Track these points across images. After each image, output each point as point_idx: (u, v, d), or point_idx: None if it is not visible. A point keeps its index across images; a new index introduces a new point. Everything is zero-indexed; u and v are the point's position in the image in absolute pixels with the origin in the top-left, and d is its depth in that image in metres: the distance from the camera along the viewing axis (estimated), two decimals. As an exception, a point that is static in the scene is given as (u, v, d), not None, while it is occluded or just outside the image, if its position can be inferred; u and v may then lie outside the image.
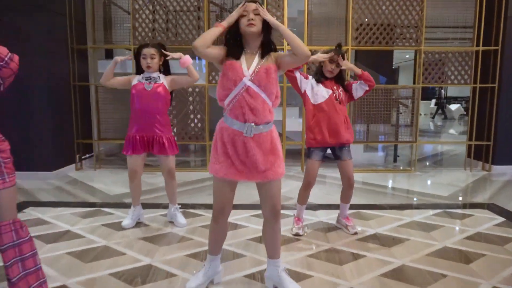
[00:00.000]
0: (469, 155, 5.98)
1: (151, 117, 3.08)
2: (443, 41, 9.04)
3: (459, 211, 3.86)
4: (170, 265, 2.57)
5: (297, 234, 3.11)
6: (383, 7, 5.37)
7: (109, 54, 6.65)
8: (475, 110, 5.76)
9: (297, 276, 2.41)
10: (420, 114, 18.27)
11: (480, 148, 5.83)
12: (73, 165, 5.49)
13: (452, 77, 5.64)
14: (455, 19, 6.07)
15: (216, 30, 1.95)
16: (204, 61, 5.61)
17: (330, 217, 3.57)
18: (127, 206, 3.83)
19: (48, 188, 4.62)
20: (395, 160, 6.39)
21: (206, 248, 2.38)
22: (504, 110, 5.59)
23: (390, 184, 5.06)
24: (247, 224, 3.37)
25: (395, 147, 6.50)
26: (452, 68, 5.63)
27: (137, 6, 5.29)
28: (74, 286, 2.29)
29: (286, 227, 3.23)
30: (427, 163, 6.46)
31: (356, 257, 2.74)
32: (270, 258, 2.22)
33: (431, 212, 3.80)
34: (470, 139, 5.87)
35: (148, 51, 3.04)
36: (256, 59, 2.01)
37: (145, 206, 3.70)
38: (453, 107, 17.31)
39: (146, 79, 3.08)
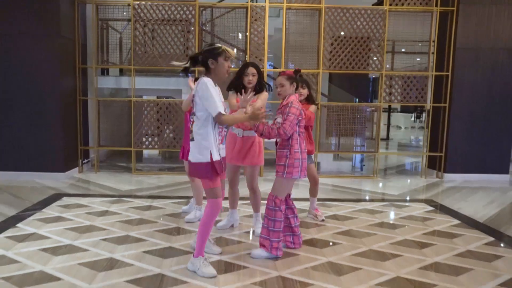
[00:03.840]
0: (426, 165, 8.15)
1: None
2: (405, 54, 11.48)
3: (402, 203, 5.94)
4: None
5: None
6: (351, 28, 7.47)
7: (103, 71, 8.63)
8: (429, 126, 7.98)
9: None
10: (400, 128, 20.71)
11: (435, 158, 8.00)
12: (77, 168, 7.32)
13: (414, 97, 7.81)
14: (415, 35, 8.28)
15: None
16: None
17: (300, 205, 5.57)
18: (138, 197, 5.81)
19: (67, 185, 6.45)
20: (361, 169, 8.49)
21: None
22: (454, 126, 7.76)
23: (353, 186, 7.12)
24: (239, 208, 5.33)
25: (362, 157, 8.62)
26: (410, 89, 7.80)
27: (137, 33, 7.25)
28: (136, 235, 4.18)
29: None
30: (390, 172, 8.60)
31: (318, 227, 4.74)
32: (255, 212, 4.41)
33: (381, 203, 5.87)
34: (426, 150, 8.07)
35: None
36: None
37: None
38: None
39: None
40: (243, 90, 4.03)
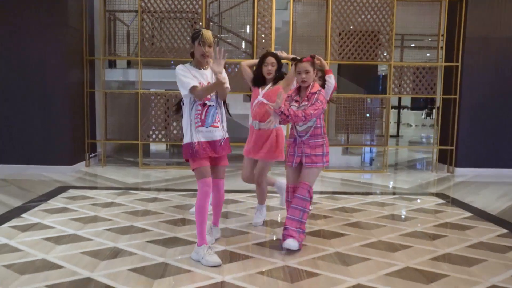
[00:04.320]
0: (437, 159, 8.00)
1: None
2: (415, 49, 11.31)
3: (413, 196, 5.82)
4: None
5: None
6: (359, 19, 7.34)
7: (110, 64, 8.56)
8: (439, 118, 7.83)
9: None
10: (410, 125, 20.53)
11: (446, 152, 7.85)
12: (83, 162, 7.29)
13: (424, 88, 7.65)
14: (423, 29, 8.15)
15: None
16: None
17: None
18: (144, 189, 5.75)
19: (73, 178, 6.43)
20: (370, 164, 8.38)
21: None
22: (464, 118, 7.61)
23: (363, 180, 7.02)
24: (246, 200, 5.26)
25: (370, 151, 8.52)
26: (420, 80, 7.66)
27: (144, 24, 7.19)
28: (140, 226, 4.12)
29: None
30: (400, 167, 8.47)
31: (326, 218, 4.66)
32: (259, 203, 4.34)
33: (390, 197, 5.76)
34: (437, 144, 7.92)
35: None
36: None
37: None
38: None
39: None
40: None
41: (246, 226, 4.26)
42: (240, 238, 3.90)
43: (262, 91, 4.04)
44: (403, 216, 4.79)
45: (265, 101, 3.95)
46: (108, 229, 4.01)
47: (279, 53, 4.19)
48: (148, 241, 3.71)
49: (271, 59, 3.99)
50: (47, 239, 3.73)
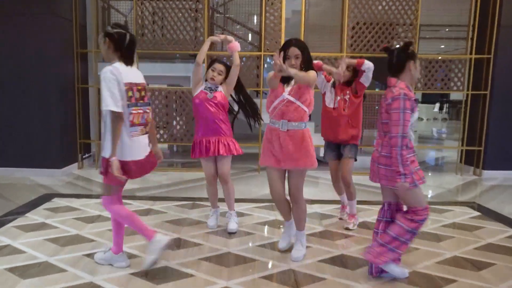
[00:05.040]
0: (461, 161, 7.25)
1: (213, 123, 3.91)
2: (439, 40, 10.48)
3: (441, 207, 5.08)
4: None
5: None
6: (379, 7, 6.58)
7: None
8: (467, 116, 7.03)
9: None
10: (421, 119, 19.71)
11: (472, 153, 7.09)
12: (76, 163, 6.63)
13: (452, 84, 6.90)
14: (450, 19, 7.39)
15: None
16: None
17: (324, 209, 4.78)
18: (139, 198, 5.08)
19: (62, 183, 5.79)
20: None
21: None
22: (495, 116, 6.84)
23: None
24: (252, 213, 4.57)
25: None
26: (446, 75, 6.90)
27: (140, 13, 6.48)
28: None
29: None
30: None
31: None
32: (297, 230, 3.46)
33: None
34: (462, 144, 7.16)
35: (219, 66, 3.90)
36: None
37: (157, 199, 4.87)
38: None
39: (208, 89, 3.92)
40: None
41: (252, 250, 3.56)
42: (244, 268, 3.20)
43: (287, 88, 3.26)
44: (435, 234, 4.06)
45: (292, 99, 3.20)
46: (88, 255, 3.33)
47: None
48: (132, 273, 3.02)
49: (294, 51, 3.18)
50: (12, 269, 3.05)
